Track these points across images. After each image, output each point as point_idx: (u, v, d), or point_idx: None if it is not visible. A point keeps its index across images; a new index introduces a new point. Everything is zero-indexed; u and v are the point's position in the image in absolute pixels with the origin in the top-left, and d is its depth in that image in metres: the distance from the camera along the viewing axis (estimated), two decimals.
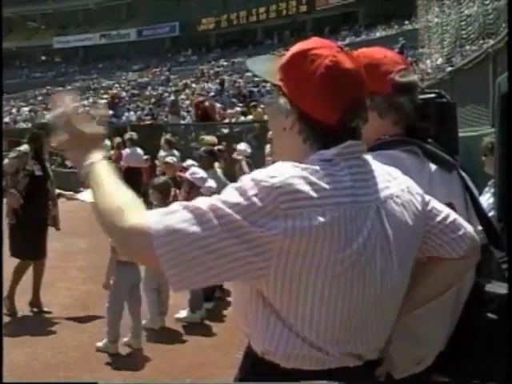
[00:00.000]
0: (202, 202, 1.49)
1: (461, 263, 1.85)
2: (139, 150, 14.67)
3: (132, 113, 30.51)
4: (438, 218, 1.78)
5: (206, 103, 21.40)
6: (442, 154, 2.16)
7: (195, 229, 1.45)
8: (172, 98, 27.62)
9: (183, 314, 6.95)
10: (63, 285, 8.49)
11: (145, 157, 14.57)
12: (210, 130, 18.53)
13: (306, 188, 1.47)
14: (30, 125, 32.32)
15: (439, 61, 20.18)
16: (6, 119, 34.27)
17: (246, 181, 1.50)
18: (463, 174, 2.24)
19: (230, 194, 1.49)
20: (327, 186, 1.49)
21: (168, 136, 14.91)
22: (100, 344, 5.99)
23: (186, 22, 56.25)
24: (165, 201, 6.48)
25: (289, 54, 1.68)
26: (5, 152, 24.79)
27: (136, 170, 14.19)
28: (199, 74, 39.39)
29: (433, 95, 2.27)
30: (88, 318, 6.97)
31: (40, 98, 45.05)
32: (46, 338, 6.40)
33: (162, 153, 13.60)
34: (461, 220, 1.85)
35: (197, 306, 6.99)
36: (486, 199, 4.46)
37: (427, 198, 1.77)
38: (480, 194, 2.39)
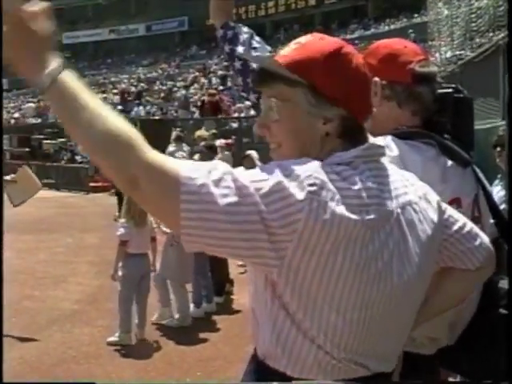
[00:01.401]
0: (236, 172, 1.40)
1: (475, 275, 1.81)
2: None
3: (141, 108, 30.53)
4: (455, 227, 1.72)
5: (217, 97, 21.39)
6: (457, 149, 2.15)
7: (224, 192, 1.36)
8: (183, 92, 27.62)
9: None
10: (74, 279, 8.54)
11: None
12: (220, 124, 18.52)
13: (332, 184, 1.41)
14: (39, 120, 32.51)
15: (449, 54, 20.05)
16: (16, 115, 34.34)
17: (277, 166, 1.42)
18: (476, 169, 2.24)
19: (262, 174, 1.41)
20: (351, 186, 1.43)
21: (177, 131, 14.95)
22: (112, 338, 6.04)
23: (195, 17, 56.03)
24: None
25: (315, 51, 1.56)
26: (15, 148, 24.66)
27: None
28: (208, 68, 39.35)
29: (450, 90, 2.26)
30: (99, 312, 7.00)
31: None
32: (57, 333, 6.43)
33: (170, 148, 13.65)
34: (477, 230, 1.79)
35: (199, 300, 7.06)
36: (497, 192, 4.44)
37: (444, 205, 1.71)
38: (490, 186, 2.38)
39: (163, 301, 6.77)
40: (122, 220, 6.34)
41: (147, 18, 59.64)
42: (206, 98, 21.65)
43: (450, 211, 1.74)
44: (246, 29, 2.63)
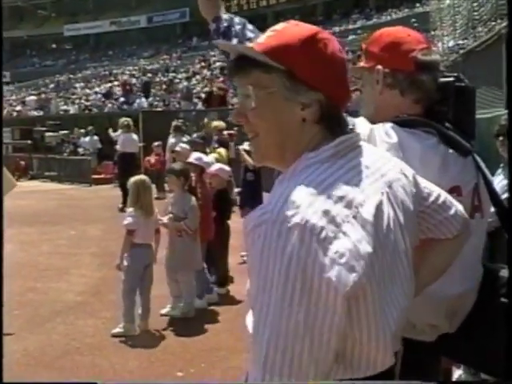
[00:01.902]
0: None
1: (455, 242, 1.83)
2: (134, 136, 14.90)
3: (143, 99, 30.50)
4: (431, 198, 1.74)
5: (225, 90, 21.40)
6: (458, 138, 2.15)
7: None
8: (185, 84, 27.60)
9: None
10: (77, 271, 8.56)
11: (140, 144, 14.86)
12: (222, 115, 18.49)
13: (328, 210, 1.38)
14: (41, 112, 32.51)
15: (451, 43, 19.99)
16: (18, 107, 34.34)
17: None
18: (477, 158, 2.23)
19: None
20: (340, 194, 1.41)
21: (177, 122, 14.97)
22: (116, 330, 6.05)
23: (197, 8, 54.90)
24: (183, 187, 6.66)
25: (294, 37, 1.56)
26: (17, 141, 24.70)
27: (131, 155, 14.53)
28: (210, 59, 39.28)
29: (452, 79, 2.26)
30: (102, 303, 7.02)
31: (51, 86, 45.09)
32: (61, 324, 6.45)
33: (171, 139, 13.66)
34: (450, 198, 1.81)
35: (202, 292, 7.06)
36: (499, 181, 4.43)
37: (419, 178, 1.72)
38: (492, 175, 2.38)
39: (175, 294, 6.79)
40: (130, 209, 6.32)
41: (148, 9, 59.52)
42: (214, 89, 21.62)
43: (425, 183, 1.75)
44: (237, 19, 2.60)
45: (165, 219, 6.59)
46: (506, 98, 2.01)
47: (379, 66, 2.18)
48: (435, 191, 1.77)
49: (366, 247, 1.38)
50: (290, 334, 1.31)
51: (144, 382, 5.21)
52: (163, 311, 6.68)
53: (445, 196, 1.79)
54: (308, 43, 1.53)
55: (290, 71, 1.51)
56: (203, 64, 37.11)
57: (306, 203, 1.36)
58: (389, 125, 2.04)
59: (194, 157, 7.48)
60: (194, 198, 6.73)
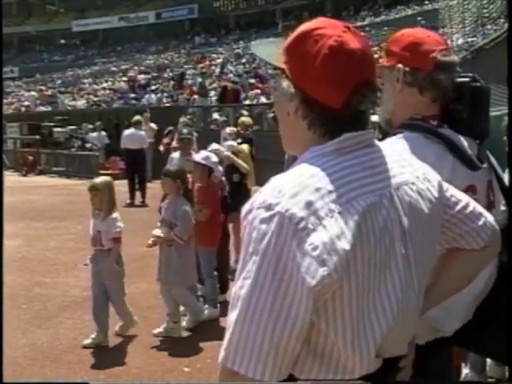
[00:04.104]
0: None
1: (482, 254, 1.80)
2: (141, 132, 14.91)
3: (152, 95, 30.54)
4: (458, 207, 1.72)
5: (239, 85, 21.46)
6: (466, 152, 2.19)
7: None
8: (199, 80, 27.60)
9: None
10: (85, 266, 8.56)
11: (149, 140, 14.84)
12: (230, 111, 18.48)
13: (312, 202, 1.40)
14: (49, 108, 32.57)
15: (460, 41, 19.96)
16: (26, 102, 34.41)
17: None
18: (489, 155, 2.28)
19: None
20: (331, 188, 1.42)
21: (184, 118, 14.96)
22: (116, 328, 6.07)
23: (205, 4, 56.04)
24: (178, 191, 6.12)
25: (293, 35, 1.61)
26: (26, 136, 24.69)
27: (138, 152, 14.50)
28: (218, 55, 39.30)
29: (467, 79, 2.31)
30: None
31: (59, 81, 45.17)
32: (69, 319, 6.47)
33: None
34: (481, 209, 1.79)
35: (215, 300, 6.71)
36: (508, 179, 4.43)
37: (445, 185, 1.70)
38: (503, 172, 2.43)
39: (168, 311, 6.20)
40: (116, 214, 5.90)
41: (157, 5, 59.59)
42: (228, 85, 21.64)
43: (452, 191, 1.74)
44: None
45: (156, 232, 6.02)
46: (507, 98, 2.03)
47: (400, 65, 2.25)
48: (463, 200, 1.75)
49: (343, 244, 1.38)
50: (256, 317, 1.36)
51: (140, 382, 5.19)
52: (155, 331, 6.11)
53: (474, 206, 1.77)
54: (297, 40, 1.58)
55: (283, 69, 1.60)
56: (211, 60, 37.08)
57: (290, 193, 1.40)
58: (400, 144, 2.09)
59: (201, 156, 6.80)
60: (188, 204, 6.14)
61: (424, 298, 1.65)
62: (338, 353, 1.44)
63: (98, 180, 5.93)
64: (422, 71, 2.22)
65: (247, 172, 8.42)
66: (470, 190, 2.09)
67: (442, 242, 1.75)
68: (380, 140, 1.94)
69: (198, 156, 6.84)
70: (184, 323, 6.30)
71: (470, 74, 2.36)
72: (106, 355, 5.59)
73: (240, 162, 8.35)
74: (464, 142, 2.22)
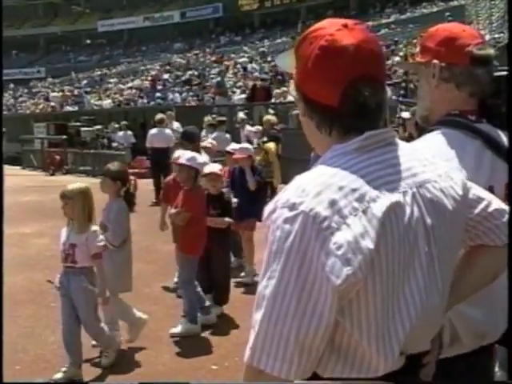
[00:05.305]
0: None
1: (505, 251, 1.80)
2: (167, 131, 14.91)
3: (177, 94, 30.62)
4: (481, 205, 1.73)
5: (260, 83, 21.47)
6: (503, 143, 2.18)
7: None
8: (218, 79, 27.64)
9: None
10: None
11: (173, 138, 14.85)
12: (255, 110, 18.50)
13: (335, 201, 1.40)
14: (76, 108, 32.81)
15: (487, 37, 19.77)
16: (53, 103, 34.68)
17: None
18: None
19: None
20: (354, 186, 1.43)
21: (209, 117, 15.01)
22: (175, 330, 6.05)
23: (230, 3, 56.11)
24: (118, 192, 5.69)
25: (298, 39, 1.66)
26: (53, 136, 24.85)
27: (163, 151, 14.41)
28: (243, 54, 39.30)
29: (505, 72, 2.29)
30: (136, 297, 7.05)
31: (85, 81, 45.50)
32: None
33: (203, 133, 13.73)
34: (504, 206, 1.80)
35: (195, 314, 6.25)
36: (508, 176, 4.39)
37: (469, 184, 1.71)
38: None
39: (107, 321, 5.60)
40: (95, 227, 5.21)
41: (181, 4, 59.82)
42: (257, 83, 21.66)
43: (476, 190, 1.75)
44: None
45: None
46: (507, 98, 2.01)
47: (435, 61, 2.22)
48: (486, 198, 1.76)
49: (367, 243, 1.38)
50: (281, 316, 1.37)
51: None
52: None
53: (497, 204, 1.78)
54: (298, 44, 1.63)
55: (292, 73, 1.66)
56: (237, 59, 37.08)
57: (314, 192, 1.41)
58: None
59: (185, 157, 6.28)
60: (124, 206, 5.70)
61: (450, 295, 1.67)
62: (362, 352, 1.45)
63: (70, 187, 5.15)
64: (459, 66, 2.20)
65: (254, 188, 7.62)
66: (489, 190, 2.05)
67: (465, 239, 1.76)
68: (417, 137, 1.93)
69: (183, 157, 6.34)
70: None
71: (508, 68, 2.33)
72: (132, 353, 5.62)
73: (250, 174, 7.67)
74: (503, 136, 2.19)
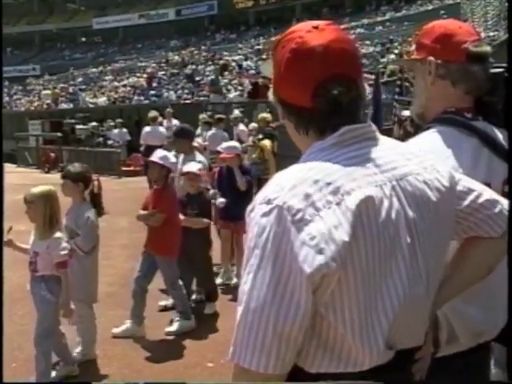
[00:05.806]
0: None
1: (501, 242, 1.78)
2: (160, 129, 14.92)
3: (172, 92, 30.58)
4: (471, 196, 1.72)
5: (262, 80, 21.47)
6: (500, 141, 2.17)
7: None
8: (212, 77, 27.61)
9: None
10: (107, 263, 8.59)
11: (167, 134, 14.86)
12: (253, 107, 18.50)
13: (309, 194, 1.42)
14: (71, 105, 32.76)
15: (482, 35, 19.80)
16: (48, 100, 34.61)
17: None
18: None
19: None
20: (329, 180, 1.44)
21: (204, 115, 15.00)
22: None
23: (224, 1, 56.06)
24: (81, 194, 5.46)
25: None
26: (48, 133, 24.86)
27: (156, 148, 14.42)
28: (238, 51, 39.26)
29: (501, 70, 2.29)
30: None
31: (80, 79, 45.38)
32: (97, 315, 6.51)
33: (198, 131, 13.71)
34: (497, 196, 1.79)
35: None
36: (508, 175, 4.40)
37: (457, 176, 1.71)
38: None
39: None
40: (59, 234, 4.87)
41: (177, 2, 59.71)
42: (259, 80, 21.65)
43: (466, 182, 1.74)
44: None
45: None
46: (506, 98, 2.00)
47: (431, 58, 2.22)
48: (477, 190, 1.75)
49: (341, 234, 1.40)
50: (258, 309, 1.40)
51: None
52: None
53: (489, 194, 1.77)
54: (274, 48, 1.65)
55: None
56: (232, 57, 37.05)
57: (289, 186, 1.44)
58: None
59: (158, 155, 6.20)
60: (92, 210, 5.45)
61: (444, 288, 1.70)
62: (347, 345, 1.46)
63: (33, 190, 4.88)
64: (455, 63, 2.19)
65: (244, 189, 7.45)
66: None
67: (458, 231, 1.76)
68: (413, 134, 1.94)
69: (155, 155, 6.23)
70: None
71: (504, 65, 2.32)
72: (129, 350, 5.63)
73: (239, 174, 7.51)
74: (499, 134, 2.19)
